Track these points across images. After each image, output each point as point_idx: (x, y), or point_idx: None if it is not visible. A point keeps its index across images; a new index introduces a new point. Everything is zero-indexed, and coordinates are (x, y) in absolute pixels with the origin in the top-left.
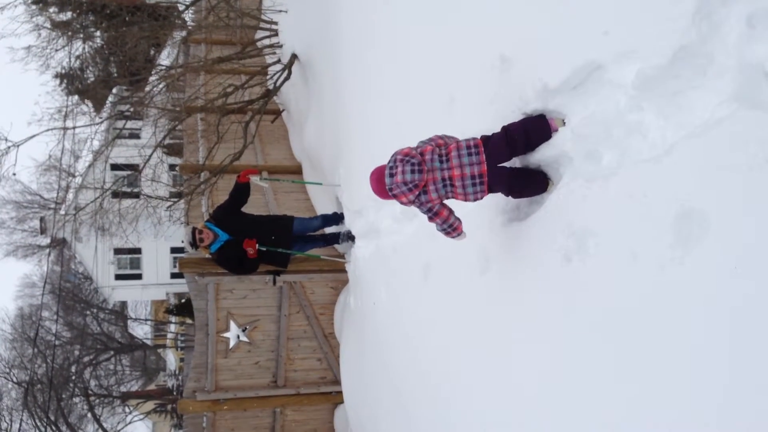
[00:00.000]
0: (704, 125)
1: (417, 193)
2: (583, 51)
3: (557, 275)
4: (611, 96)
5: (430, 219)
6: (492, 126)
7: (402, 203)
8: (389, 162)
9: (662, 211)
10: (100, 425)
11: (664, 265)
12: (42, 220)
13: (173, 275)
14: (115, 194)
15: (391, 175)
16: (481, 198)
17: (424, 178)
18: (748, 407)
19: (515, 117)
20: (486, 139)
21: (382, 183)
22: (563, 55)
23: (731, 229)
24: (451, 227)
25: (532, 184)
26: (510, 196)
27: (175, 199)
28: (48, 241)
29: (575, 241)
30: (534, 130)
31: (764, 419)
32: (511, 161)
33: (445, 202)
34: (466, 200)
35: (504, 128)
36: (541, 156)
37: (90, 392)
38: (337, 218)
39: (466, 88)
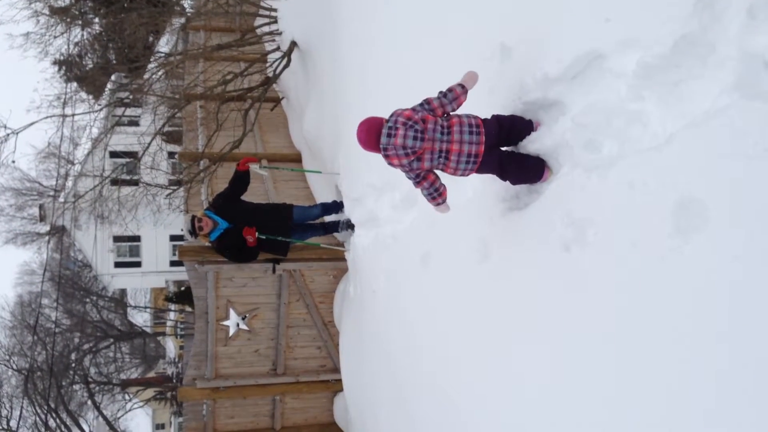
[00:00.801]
0: (705, 115)
1: (412, 159)
2: (584, 39)
3: (556, 264)
4: (612, 85)
5: (417, 184)
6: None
7: (390, 164)
8: (389, 121)
9: (662, 200)
10: (100, 412)
11: (663, 255)
12: (41, 207)
13: (172, 263)
14: (115, 182)
15: (389, 136)
16: (468, 175)
17: (423, 146)
18: (746, 397)
19: (515, 106)
20: (483, 120)
21: (372, 136)
22: (564, 44)
23: (731, 219)
24: (437, 191)
25: (525, 168)
26: (506, 181)
27: (175, 187)
28: (47, 228)
29: (574, 230)
30: (521, 125)
31: (763, 408)
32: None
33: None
34: (454, 174)
35: (495, 116)
36: (541, 145)
37: (90, 380)
38: (337, 206)
39: None
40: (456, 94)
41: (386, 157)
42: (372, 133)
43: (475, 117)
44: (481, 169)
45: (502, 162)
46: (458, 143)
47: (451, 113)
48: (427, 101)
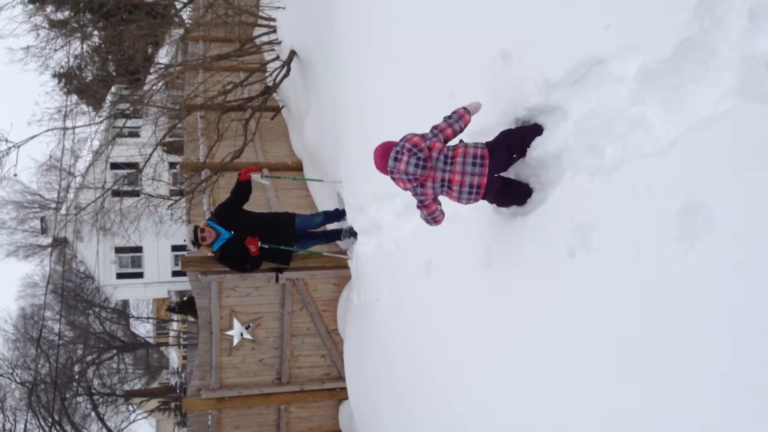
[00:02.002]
0: (707, 119)
1: (415, 185)
2: (585, 45)
3: (560, 270)
4: (613, 90)
5: (419, 207)
6: (493, 121)
7: (397, 185)
8: (397, 146)
9: (666, 205)
10: (104, 424)
11: (668, 259)
12: (43, 220)
13: (174, 273)
14: (116, 193)
15: (395, 159)
16: (474, 203)
17: (425, 174)
18: (748, 400)
19: (516, 112)
20: (491, 149)
21: (385, 160)
22: (564, 50)
23: (735, 223)
24: (434, 219)
25: (516, 195)
26: (494, 204)
27: (176, 198)
28: (49, 241)
29: (578, 235)
30: (531, 134)
31: (765, 411)
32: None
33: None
34: (458, 202)
35: (502, 132)
36: (545, 150)
37: (93, 391)
38: (339, 215)
39: (467, 83)
40: (460, 114)
41: (393, 179)
42: (385, 158)
43: (483, 147)
44: (486, 198)
45: (499, 192)
46: (460, 174)
47: (458, 143)
48: (435, 126)
